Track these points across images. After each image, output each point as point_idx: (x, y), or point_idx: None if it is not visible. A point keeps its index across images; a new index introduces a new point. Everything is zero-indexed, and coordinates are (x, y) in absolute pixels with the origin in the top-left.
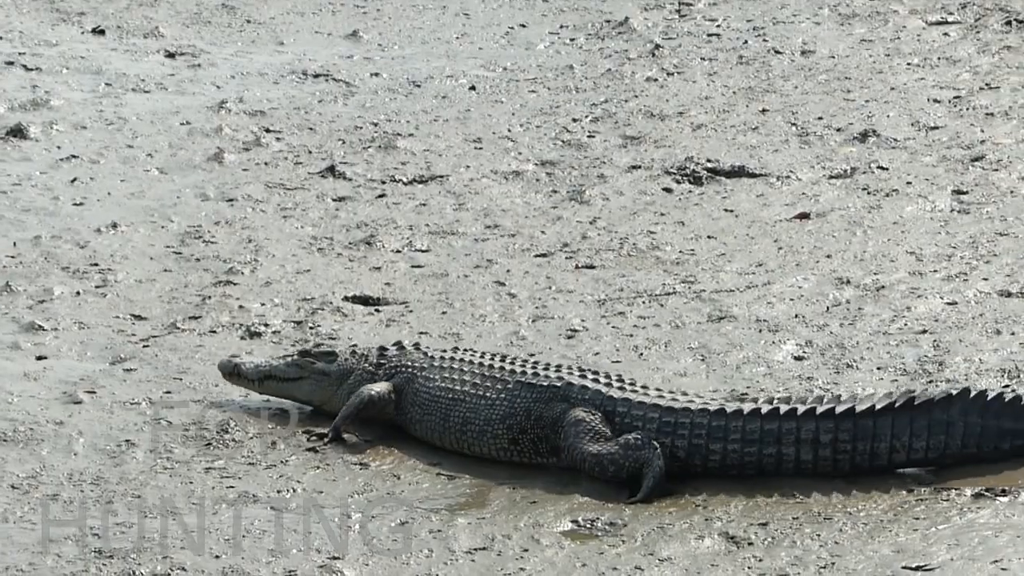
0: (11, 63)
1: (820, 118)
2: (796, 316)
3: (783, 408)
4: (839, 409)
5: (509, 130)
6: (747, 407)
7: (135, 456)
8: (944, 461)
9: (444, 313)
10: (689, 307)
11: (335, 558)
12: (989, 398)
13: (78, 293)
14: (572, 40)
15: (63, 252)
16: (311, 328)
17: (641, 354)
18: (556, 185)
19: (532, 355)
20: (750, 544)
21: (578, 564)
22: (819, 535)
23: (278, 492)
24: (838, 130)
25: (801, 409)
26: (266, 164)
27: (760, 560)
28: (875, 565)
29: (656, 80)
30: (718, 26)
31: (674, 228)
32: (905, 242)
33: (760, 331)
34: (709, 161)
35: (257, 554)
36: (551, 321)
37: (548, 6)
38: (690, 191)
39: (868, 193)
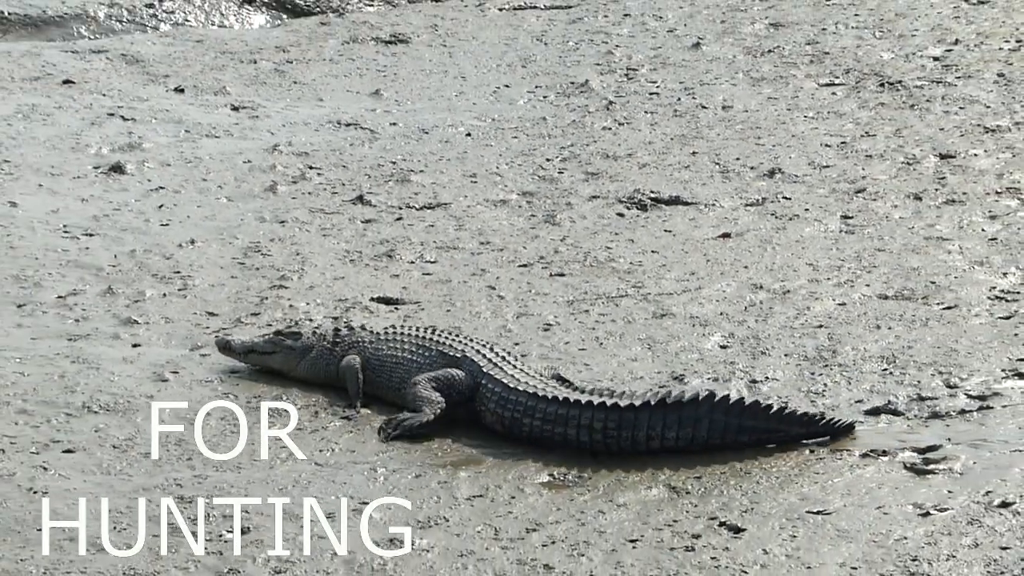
0: (112, 114)
1: (738, 158)
2: (721, 314)
3: (572, 398)
4: (608, 403)
5: (497, 168)
6: (553, 394)
7: (210, 423)
8: (693, 448)
9: (448, 311)
10: (638, 307)
11: (364, 503)
12: (731, 401)
13: (164, 295)
14: (545, 97)
15: (153, 262)
16: (344, 322)
17: (601, 343)
18: (534, 211)
19: (457, 333)
20: (688, 493)
21: (554, 508)
22: (741, 486)
23: (320, 451)
24: (752, 168)
25: (584, 400)
26: (310, 194)
27: (696, 505)
28: (785, 510)
29: (610, 129)
30: (657, 87)
31: (626, 244)
32: (804, 256)
33: (693, 326)
34: (652, 192)
35: (302, 499)
36: (531, 317)
37: (526, 71)
38: (638, 215)
39: (775, 217)
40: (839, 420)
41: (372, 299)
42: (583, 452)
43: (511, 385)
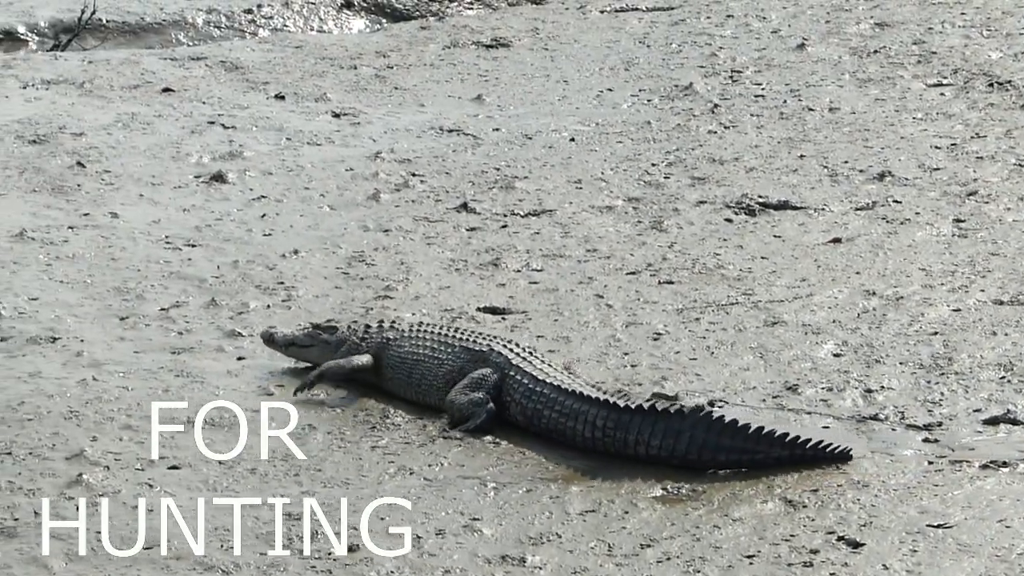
0: (212, 122)
1: (846, 162)
2: (834, 321)
3: (586, 392)
4: (611, 401)
5: (602, 173)
6: (572, 387)
7: (315, 437)
8: (672, 462)
9: (555, 321)
10: (748, 315)
11: (475, 519)
12: (713, 418)
13: (268, 306)
14: (649, 101)
15: (256, 273)
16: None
17: (712, 353)
18: (640, 217)
19: (480, 330)
20: (804, 506)
21: (668, 523)
22: (859, 499)
23: (429, 466)
24: (860, 171)
25: (592, 395)
26: (413, 202)
27: (813, 519)
28: (904, 523)
29: (716, 132)
30: (763, 89)
31: (734, 251)
32: (917, 261)
33: (805, 333)
34: (760, 197)
35: (412, 516)
36: (640, 327)
37: (629, 74)
38: (746, 221)
39: (886, 222)
40: (831, 445)
41: (478, 309)
42: (694, 466)
43: (539, 377)
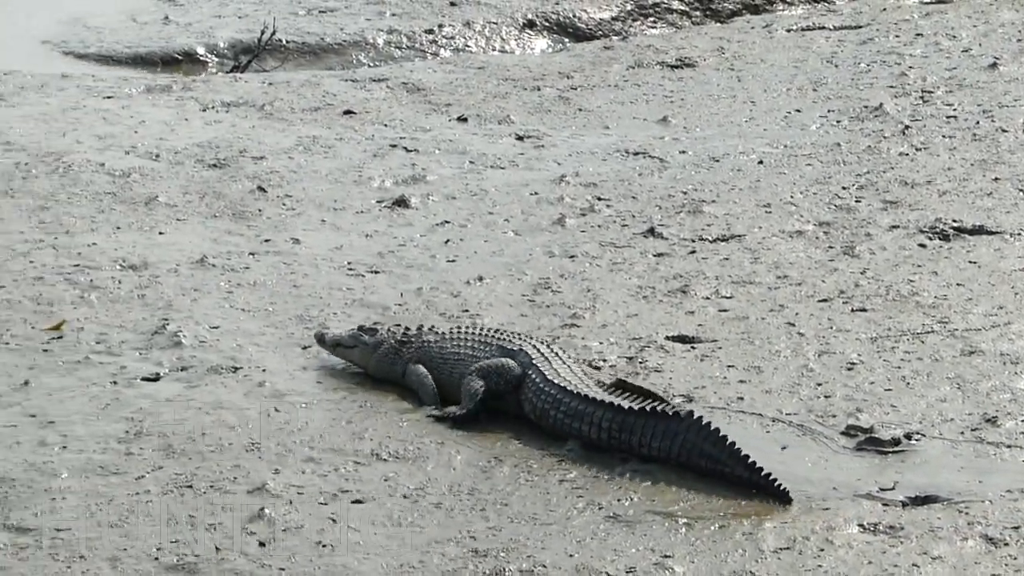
0: (394, 146)
1: None
2: None
3: (591, 394)
4: (614, 403)
5: (792, 196)
6: (578, 389)
7: (502, 471)
8: (668, 463)
9: (746, 350)
10: (945, 344)
11: (667, 556)
12: (703, 422)
13: None
14: (838, 122)
15: (440, 300)
16: (640, 363)
17: (908, 383)
18: (831, 242)
19: (518, 332)
20: (1006, 544)
21: (865, 562)
22: None
23: (618, 500)
24: None
25: (599, 397)
26: (599, 227)
27: (1015, 558)
28: None
29: (907, 154)
30: (954, 110)
31: (929, 277)
32: None
33: (1004, 363)
34: (954, 221)
35: (603, 553)
36: (833, 356)
37: (817, 95)
38: (940, 246)
39: None
40: (778, 482)
41: (667, 338)
42: (888, 502)
43: (549, 377)
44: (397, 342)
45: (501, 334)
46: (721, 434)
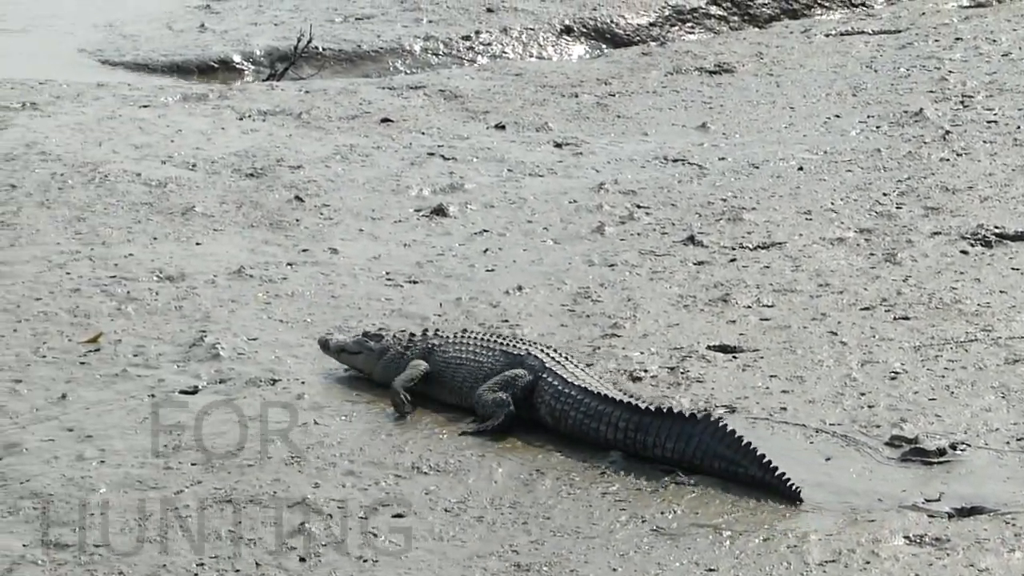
0: (432, 154)
1: None
2: None
3: (610, 394)
4: (633, 403)
5: (832, 203)
6: (597, 390)
7: (544, 484)
8: (682, 464)
9: (788, 359)
10: (988, 352)
11: (711, 569)
12: (719, 424)
13: None
14: (878, 127)
15: (479, 310)
16: (681, 373)
17: (952, 393)
18: (873, 249)
19: (520, 337)
20: None
21: (911, 574)
22: None
23: (661, 513)
24: None
25: (617, 398)
26: (638, 235)
27: None
28: None
29: (948, 160)
30: (995, 115)
31: (972, 284)
32: None
33: None
34: (996, 227)
35: (646, 567)
36: (876, 365)
37: (857, 100)
38: (983, 253)
39: None
40: (790, 481)
41: (708, 347)
42: (934, 513)
43: (568, 379)
44: (402, 347)
45: (504, 339)
46: (736, 435)
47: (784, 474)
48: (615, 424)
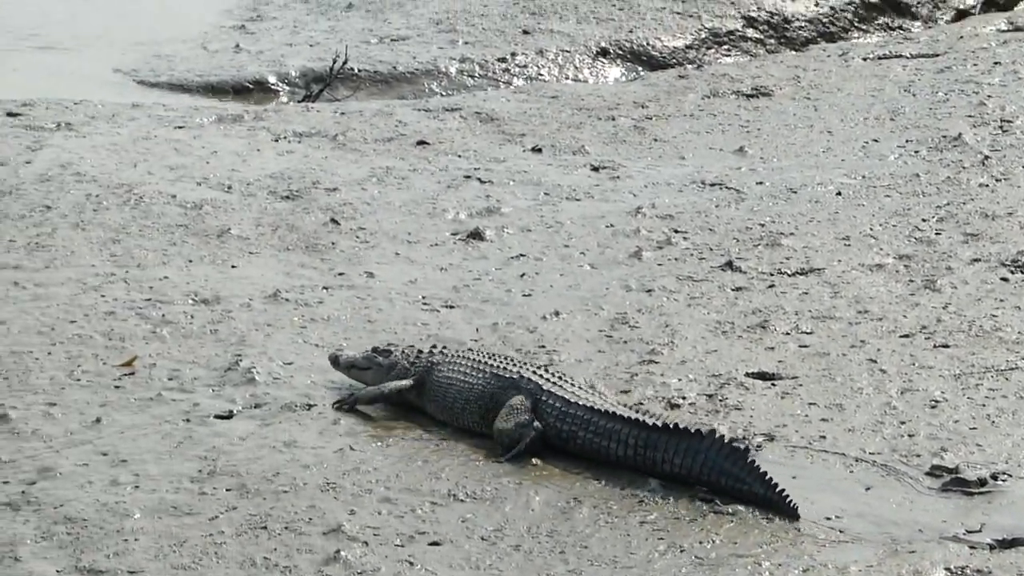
0: (468, 177)
1: None
2: None
3: (618, 412)
4: (641, 420)
5: (871, 229)
6: (604, 407)
7: (582, 512)
8: (689, 481)
9: (828, 387)
10: None
11: None
12: (724, 440)
13: None
14: (916, 152)
15: (516, 336)
16: (720, 400)
17: (993, 422)
18: (912, 275)
19: (513, 357)
20: None
21: None
22: None
23: (700, 543)
24: None
25: (625, 415)
26: (676, 260)
27: None
28: None
29: (987, 185)
30: None
31: (1012, 312)
32: None
33: None
34: None
35: None
36: (916, 393)
37: (895, 124)
38: (1023, 280)
39: None
40: (789, 498)
41: (747, 374)
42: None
43: (571, 399)
44: (409, 363)
45: (497, 361)
46: (741, 452)
47: (784, 491)
48: (624, 441)
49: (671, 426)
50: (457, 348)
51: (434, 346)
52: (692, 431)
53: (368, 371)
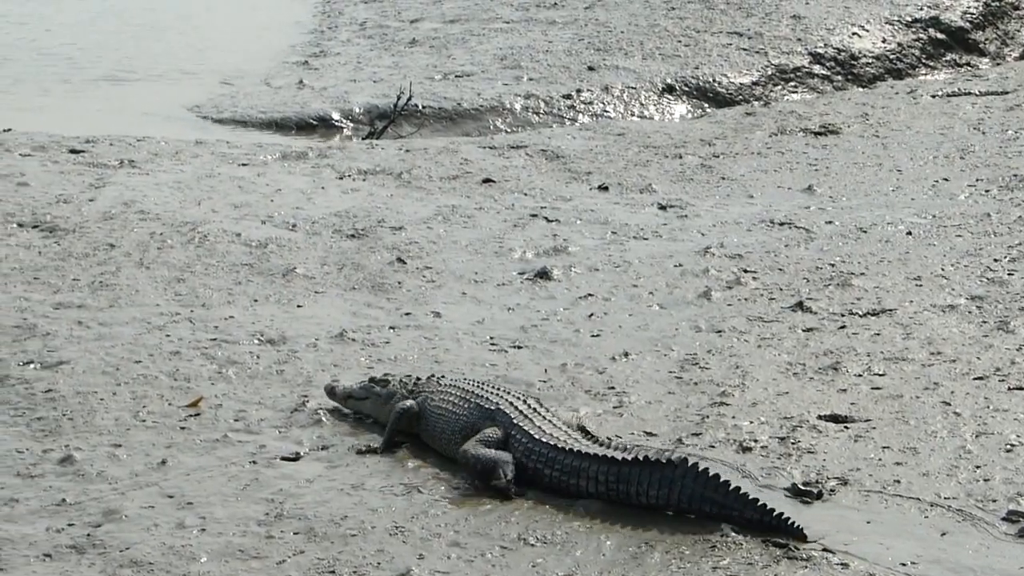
0: (535, 215)
1: None
2: None
3: (583, 449)
4: (609, 456)
5: (942, 269)
6: (569, 446)
7: (653, 557)
8: (668, 510)
9: (901, 430)
10: None
11: None
12: (699, 469)
13: (599, 413)
14: (987, 191)
15: (585, 377)
16: (792, 443)
17: None
18: (985, 317)
19: (498, 386)
20: None
21: None
22: None
23: None
24: None
25: (591, 452)
26: (746, 300)
27: None
28: None
29: None
30: None
31: None
32: None
33: None
34: None
35: None
36: (991, 436)
37: (965, 163)
38: None
39: None
40: (792, 520)
41: (819, 417)
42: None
43: (536, 436)
44: (408, 392)
45: (482, 390)
46: (722, 479)
47: (783, 513)
48: (594, 478)
49: (640, 458)
50: (452, 378)
51: (432, 375)
52: (663, 460)
53: (366, 400)
